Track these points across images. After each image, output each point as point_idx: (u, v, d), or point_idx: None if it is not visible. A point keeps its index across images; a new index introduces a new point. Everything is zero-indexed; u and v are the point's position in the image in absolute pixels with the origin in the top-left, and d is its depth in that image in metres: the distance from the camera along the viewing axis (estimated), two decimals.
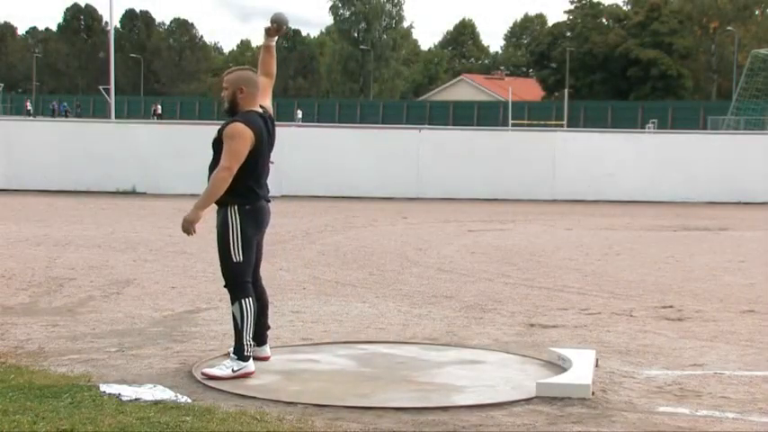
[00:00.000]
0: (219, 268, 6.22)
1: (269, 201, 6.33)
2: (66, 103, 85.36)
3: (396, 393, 5.83)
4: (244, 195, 6.11)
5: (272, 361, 6.49)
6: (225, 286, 6.20)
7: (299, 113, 75.60)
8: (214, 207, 6.19)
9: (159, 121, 57.22)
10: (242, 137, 6.02)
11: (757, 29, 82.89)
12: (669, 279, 10.90)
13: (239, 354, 6.09)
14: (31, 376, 5.92)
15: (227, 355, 6.26)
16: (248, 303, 6.09)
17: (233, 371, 6.04)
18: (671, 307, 9.05)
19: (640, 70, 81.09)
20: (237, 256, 6.10)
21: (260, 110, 6.25)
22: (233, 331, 6.18)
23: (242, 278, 6.12)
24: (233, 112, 6.16)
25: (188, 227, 6.09)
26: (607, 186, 22.53)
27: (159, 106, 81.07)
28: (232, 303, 6.14)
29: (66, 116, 73.99)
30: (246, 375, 6.07)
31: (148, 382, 5.87)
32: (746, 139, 26.17)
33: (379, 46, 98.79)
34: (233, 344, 6.18)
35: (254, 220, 6.15)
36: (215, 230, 6.18)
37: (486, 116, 74.40)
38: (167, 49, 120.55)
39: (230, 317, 6.24)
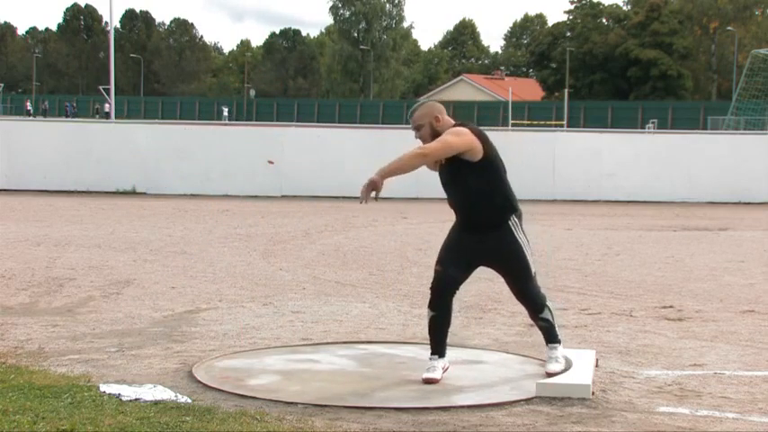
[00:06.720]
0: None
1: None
2: (69, 103, 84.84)
3: (396, 393, 5.83)
4: (513, 206, 6.02)
5: (272, 361, 6.50)
6: (530, 307, 6.10)
7: (225, 111, 77.69)
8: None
9: (159, 120, 57.10)
10: (459, 134, 5.83)
11: (757, 29, 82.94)
12: (669, 279, 10.89)
13: (558, 340, 6.19)
14: (30, 376, 5.92)
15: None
16: (549, 303, 6.18)
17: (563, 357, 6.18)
18: (671, 307, 9.04)
19: (640, 70, 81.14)
20: (534, 266, 6.09)
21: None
22: (542, 333, 6.23)
23: (539, 288, 6.13)
24: None
25: (366, 190, 5.87)
26: (607, 186, 22.52)
27: (107, 105, 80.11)
28: (540, 313, 6.09)
29: (67, 115, 73.69)
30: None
31: (148, 382, 5.87)
32: (746, 139, 26.14)
33: (379, 46, 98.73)
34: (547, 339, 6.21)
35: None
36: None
37: (486, 116, 74.32)
38: (167, 49, 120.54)
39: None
